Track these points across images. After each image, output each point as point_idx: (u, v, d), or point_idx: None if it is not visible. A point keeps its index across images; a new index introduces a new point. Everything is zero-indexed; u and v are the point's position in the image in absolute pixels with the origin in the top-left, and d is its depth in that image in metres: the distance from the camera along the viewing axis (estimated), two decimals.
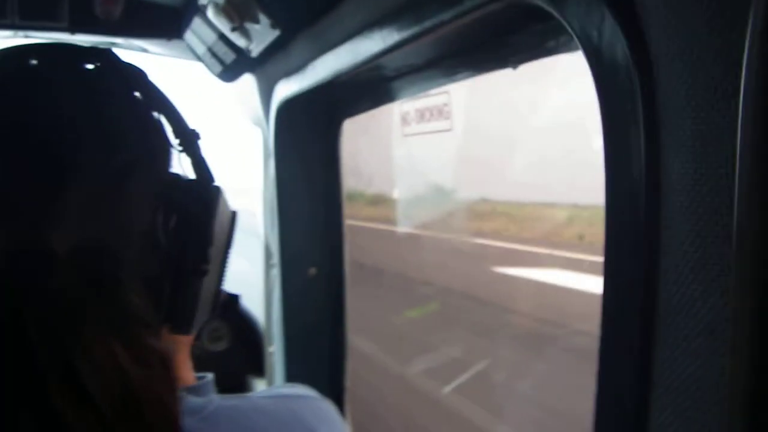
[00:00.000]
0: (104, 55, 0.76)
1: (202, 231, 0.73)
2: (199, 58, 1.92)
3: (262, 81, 1.87)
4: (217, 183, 0.77)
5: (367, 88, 1.64)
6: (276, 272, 1.99)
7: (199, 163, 0.76)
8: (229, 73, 1.89)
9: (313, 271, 1.96)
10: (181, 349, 0.79)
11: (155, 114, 0.76)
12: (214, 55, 1.80)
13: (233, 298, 0.86)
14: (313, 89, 1.62)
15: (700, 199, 0.61)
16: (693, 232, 0.62)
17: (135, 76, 0.76)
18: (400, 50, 1.28)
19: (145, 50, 2.13)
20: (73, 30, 1.87)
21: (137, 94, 0.75)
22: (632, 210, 0.70)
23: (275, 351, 2.07)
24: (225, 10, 1.50)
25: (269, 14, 1.45)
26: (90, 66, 0.74)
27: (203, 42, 1.79)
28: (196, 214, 0.73)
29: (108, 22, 1.88)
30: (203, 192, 0.75)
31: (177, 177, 0.75)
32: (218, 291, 0.80)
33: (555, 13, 0.81)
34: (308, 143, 1.85)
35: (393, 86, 1.56)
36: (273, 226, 1.96)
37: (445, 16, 1.06)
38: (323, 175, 1.90)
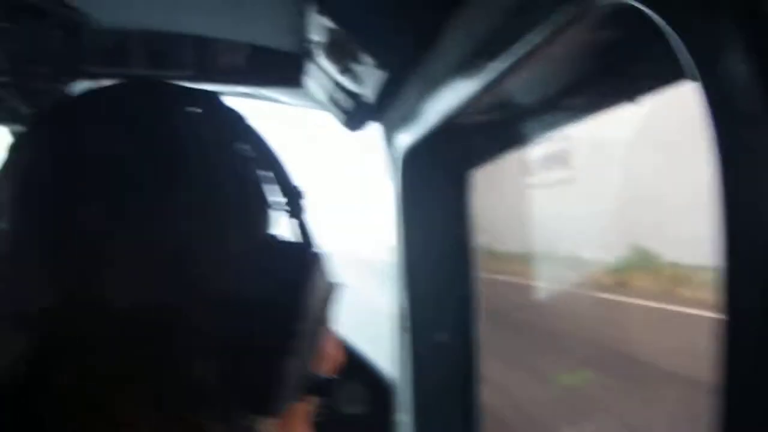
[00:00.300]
0: (207, 98, 0.69)
1: (292, 302, 0.64)
2: (323, 106, 1.82)
3: (386, 129, 1.73)
4: (317, 248, 0.69)
5: (491, 132, 1.46)
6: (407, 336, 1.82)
7: (298, 225, 0.69)
8: (353, 121, 1.76)
9: (444, 336, 1.77)
10: (295, 415, 0.72)
11: (256, 167, 0.69)
12: (334, 102, 1.68)
13: (327, 383, 0.76)
14: (433, 135, 1.46)
15: None
16: None
17: (238, 124, 0.69)
18: (512, 82, 1.10)
19: (276, 100, 2.06)
20: (197, 79, 1.82)
21: (241, 143, 0.69)
22: None
23: (404, 420, 1.89)
24: (330, 53, 1.38)
25: (372, 54, 1.31)
26: (191, 109, 0.68)
27: (323, 88, 1.68)
28: (286, 282, 0.64)
29: (232, 70, 1.82)
30: (298, 257, 0.67)
31: (270, 237, 0.68)
32: (307, 370, 0.70)
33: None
34: (435, 196, 1.68)
35: (516, 129, 1.37)
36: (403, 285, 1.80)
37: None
38: (453, 231, 1.72)
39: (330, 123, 1.92)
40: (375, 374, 2.30)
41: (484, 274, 1.89)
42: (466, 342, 1.78)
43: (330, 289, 0.71)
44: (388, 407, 2.06)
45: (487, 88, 1.16)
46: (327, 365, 0.97)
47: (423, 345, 1.80)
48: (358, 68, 1.41)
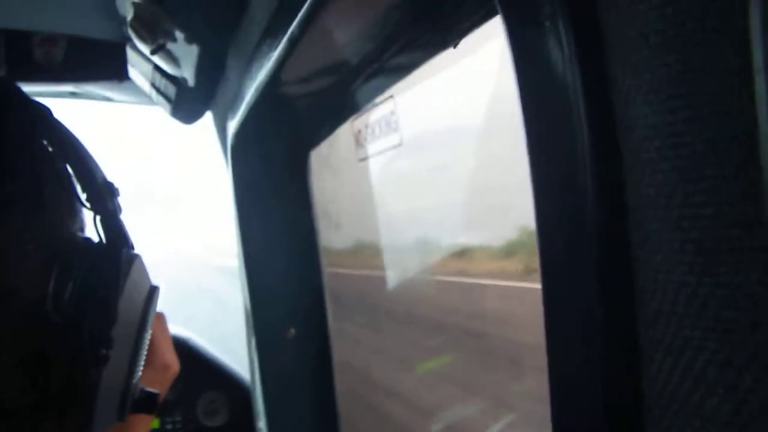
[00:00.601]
0: (5, 90, 0.64)
1: (104, 306, 0.60)
2: (150, 100, 1.72)
3: (216, 116, 1.65)
4: (134, 250, 0.66)
5: (320, 106, 1.40)
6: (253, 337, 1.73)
7: (111, 223, 0.65)
8: (183, 111, 1.67)
9: (291, 331, 1.69)
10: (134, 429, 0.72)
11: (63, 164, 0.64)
12: (158, 90, 1.59)
13: (151, 397, 0.71)
14: (260, 114, 1.39)
15: None
16: None
17: (39, 116, 0.64)
18: (328, 42, 1.04)
19: (108, 99, 1.95)
20: (12, 78, 1.70)
21: (45, 139, 0.64)
22: None
23: (261, 427, 1.80)
24: (139, 31, 1.30)
25: (181, 26, 1.24)
26: None
27: (145, 77, 1.59)
28: (97, 284, 0.60)
29: (50, 66, 1.70)
30: (111, 257, 0.62)
31: (78, 238, 0.63)
32: (129, 384, 0.65)
33: None
34: (270, 183, 1.61)
35: (344, 97, 1.31)
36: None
37: None
38: (293, 219, 1.65)
39: (163, 119, 1.83)
40: (234, 381, 2.21)
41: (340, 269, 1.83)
42: (317, 337, 1.71)
43: (149, 293, 0.68)
44: (249, 415, 1.97)
45: (300, 49, 1.10)
46: (161, 378, 0.89)
47: (270, 344, 1.72)
48: (172, 47, 1.33)
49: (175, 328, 2.25)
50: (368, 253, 1.73)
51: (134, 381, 0.66)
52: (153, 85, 1.58)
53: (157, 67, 1.49)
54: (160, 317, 0.90)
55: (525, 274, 1.15)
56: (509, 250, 1.19)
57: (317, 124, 1.47)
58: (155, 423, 2.12)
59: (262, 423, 1.82)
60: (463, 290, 1.38)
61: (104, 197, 0.65)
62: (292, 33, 1.04)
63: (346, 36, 1.13)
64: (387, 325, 1.79)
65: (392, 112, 1.16)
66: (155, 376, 0.86)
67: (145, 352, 0.69)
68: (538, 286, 0.52)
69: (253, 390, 1.86)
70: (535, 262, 0.53)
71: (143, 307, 0.67)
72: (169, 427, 2.17)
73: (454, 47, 0.97)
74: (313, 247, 1.67)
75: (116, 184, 0.67)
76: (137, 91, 1.76)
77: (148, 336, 0.68)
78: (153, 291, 0.69)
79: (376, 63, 1.14)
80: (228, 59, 1.36)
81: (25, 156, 0.61)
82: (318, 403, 1.73)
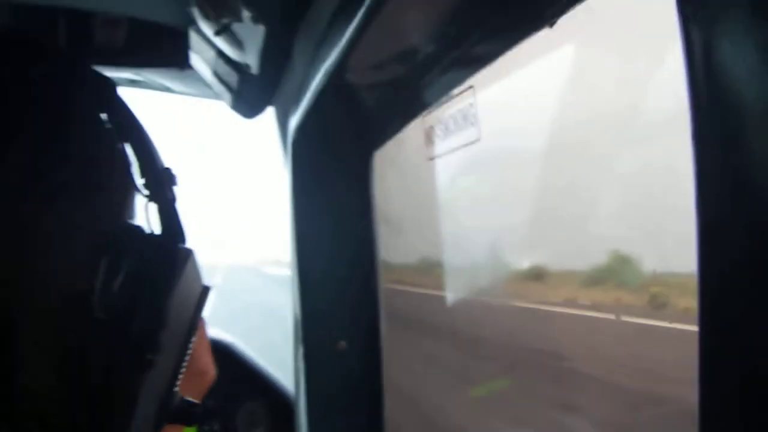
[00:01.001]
0: (66, 59, 0.58)
1: (155, 305, 0.54)
2: (212, 93, 1.64)
3: (278, 110, 1.56)
4: (188, 244, 0.60)
5: (389, 99, 1.29)
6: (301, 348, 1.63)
7: (168, 214, 0.59)
8: (245, 103, 1.59)
9: (342, 344, 1.58)
10: None
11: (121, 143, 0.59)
12: (220, 79, 1.51)
13: (191, 407, 0.64)
14: (325, 109, 1.30)
15: None
16: None
17: (102, 89, 0.58)
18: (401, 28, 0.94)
19: (168, 89, 1.88)
20: None
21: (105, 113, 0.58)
22: None
23: None
24: (204, 7, 1.22)
25: (248, 3, 1.15)
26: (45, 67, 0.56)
27: (207, 63, 1.51)
28: (149, 280, 0.54)
29: (111, 50, 1.63)
30: (166, 252, 0.57)
31: (132, 226, 0.57)
32: (170, 392, 0.59)
33: None
34: (331, 184, 1.51)
35: (416, 90, 1.21)
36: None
37: None
38: (352, 225, 1.54)
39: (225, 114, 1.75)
40: (276, 392, 2.11)
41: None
42: (368, 352, 1.59)
43: (201, 292, 0.62)
44: (291, 428, 1.87)
45: (371, 34, 1.00)
46: (197, 384, 0.80)
47: (319, 357, 1.61)
48: (238, 28, 1.25)
49: (218, 332, 2.18)
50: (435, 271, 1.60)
51: (175, 389, 0.60)
52: (215, 73, 1.50)
53: (220, 54, 1.41)
54: (202, 322, 0.81)
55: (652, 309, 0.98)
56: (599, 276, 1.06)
57: (385, 120, 1.36)
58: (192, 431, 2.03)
59: None
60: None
61: (163, 184, 0.59)
62: (364, 15, 0.94)
63: (422, 18, 1.03)
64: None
65: (471, 104, 1.04)
66: (191, 382, 0.77)
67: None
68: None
69: (296, 403, 1.76)
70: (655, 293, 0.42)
71: (194, 309, 0.61)
72: None
73: (551, 26, 0.85)
74: (372, 257, 1.56)
75: (175, 172, 0.61)
76: (198, 82, 1.69)
77: (193, 341, 0.62)
78: (205, 291, 0.63)
79: (456, 50, 1.03)
80: (295, 44, 1.27)
81: (85, 132, 0.56)
82: (364, 422, 1.62)
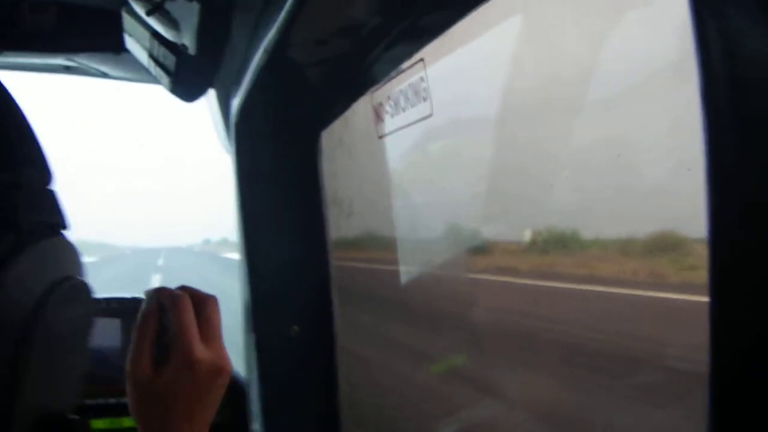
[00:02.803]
0: None
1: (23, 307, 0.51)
2: (149, 74, 1.59)
3: (220, 93, 1.52)
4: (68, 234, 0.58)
5: (334, 75, 1.26)
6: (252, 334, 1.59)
7: (47, 203, 0.57)
8: (184, 86, 1.54)
9: (295, 329, 1.55)
10: None
11: None
12: (156, 62, 1.45)
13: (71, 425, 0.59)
14: (267, 86, 1.26)
15: None
16: None
17: None
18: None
19: (105, 74, 1.82)
20: (0, 48, 1.57)
21: None
22: None
23: (256, 427, 1.66)
24: None
25: None
26: None
27: (142, 46, 1.46)
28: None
29: (41, 35, 1.57)
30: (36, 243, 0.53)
31: None
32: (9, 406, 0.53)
33: None
34: (277, 166, 1.47)
35: (363, 66, 1.17)
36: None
37: None
38: (301, 207, 1.50)
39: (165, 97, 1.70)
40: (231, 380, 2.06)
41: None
42: (321, 336, 1.56)
43: (82, 289, 0.58)
44: (244, 416, 1.83)
45: (312, 7, 0.97)
46: (185, 375, 0.75)
47: (272, 343, 1.58)
48: (172, 6, 1.20)
49: None
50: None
51: (28, 402, 0.53)
52: (151, 55, 1.45)
53: (155, 35, 1.36)
54: (184, 299, 0.73)
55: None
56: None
57: (332, 98, 1.33)
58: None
59: (257, 425, 1.68)
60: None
61: (40, 175, 0.57)
62: None
63: None
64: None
65: (422, 78, 1.01)
66: (181, 375, 0.71)
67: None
68: None
69: (248, 390, 1.72)
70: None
71: (34, 302, 0.54)
72: None
73: None
74: (322, 240, 1.53)
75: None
76: (135, 66, 1.63)
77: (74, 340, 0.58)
78: (85, 288, 0.59)
79: (403, 21, 1.00)
80: (233, 21, 1.23)
81: None
82: (320, 407, 1.59)
